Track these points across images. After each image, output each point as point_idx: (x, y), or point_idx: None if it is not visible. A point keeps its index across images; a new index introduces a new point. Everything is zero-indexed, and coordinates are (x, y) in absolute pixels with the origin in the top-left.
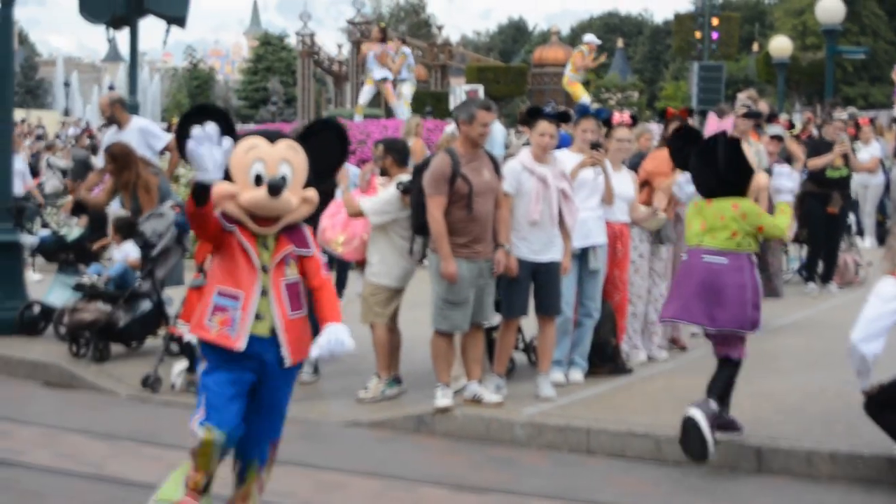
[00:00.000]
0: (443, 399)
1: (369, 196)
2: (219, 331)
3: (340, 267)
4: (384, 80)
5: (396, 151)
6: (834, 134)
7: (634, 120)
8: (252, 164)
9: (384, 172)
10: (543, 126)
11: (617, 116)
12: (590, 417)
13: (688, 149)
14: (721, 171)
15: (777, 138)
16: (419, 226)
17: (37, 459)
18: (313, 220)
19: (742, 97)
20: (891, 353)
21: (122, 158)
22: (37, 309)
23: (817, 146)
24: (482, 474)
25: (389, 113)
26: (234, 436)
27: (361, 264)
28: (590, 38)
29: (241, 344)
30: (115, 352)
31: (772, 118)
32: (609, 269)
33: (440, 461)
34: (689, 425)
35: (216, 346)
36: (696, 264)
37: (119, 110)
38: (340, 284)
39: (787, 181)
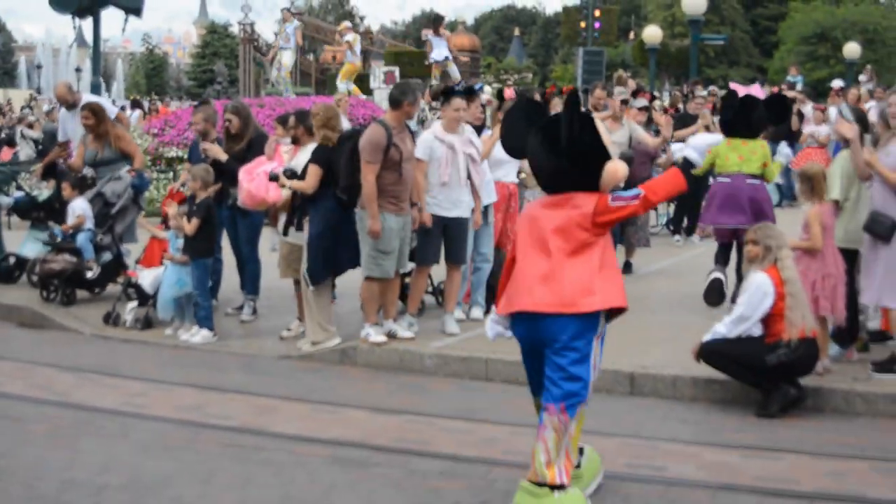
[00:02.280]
0: (377, 336)
1: (272, 162)
2: None
3: None
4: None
5: (306, 122)
6: (696, 108)
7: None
8: None
9: (295, 141)
10: (457, 102)
11: (508, 92)
12: (488, 349)
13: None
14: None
15: (643, 109)
16: (347, 186)
17: (13, 389)
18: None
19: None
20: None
21: (100, 112)
22: (12, 260)
23: (683, 119)
24: (397, 399)
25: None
26: None
27: (275, 223)
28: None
29: None
30: (80, 296)
31: (637, 93)
32: (503, 223)
33: (361, 388)
34: (717, 284)
35: None
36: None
37: (72, 93)
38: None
39: (692, 152)
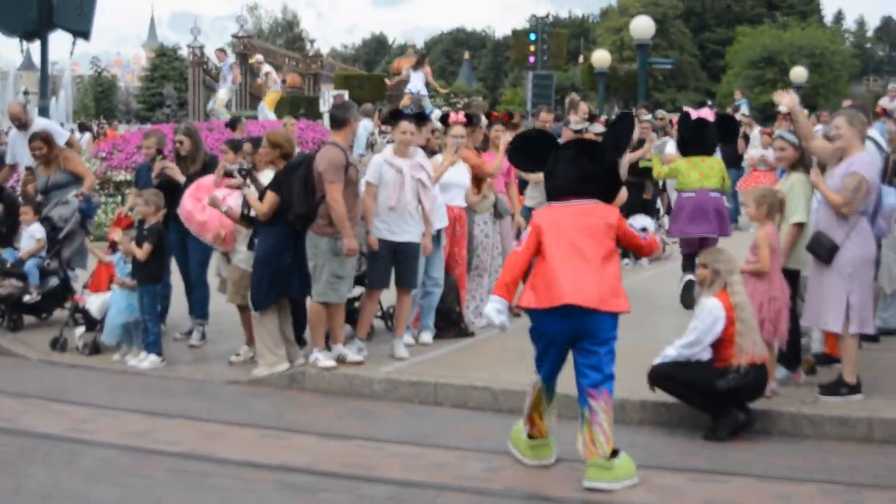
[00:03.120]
0: (326, 360)
1: (222, 190)
2: None
3: None
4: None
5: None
6: (643, 133)
7: (469, 119)
8: None
9: (254, 167)
10: (405, 125)
11: (452, 116)
12: (437, 374)
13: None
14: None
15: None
16: (303, 213)
17: None
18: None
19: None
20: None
21: (50, 140)
22: None
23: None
24: (345, 423)
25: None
26: None
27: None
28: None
29: None
30: (26, 322)
31: (593, 118)
32: (450, 247)
33: (309, 413)
34: (691, 284)
35: None
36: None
37: (26, 113)
38: None
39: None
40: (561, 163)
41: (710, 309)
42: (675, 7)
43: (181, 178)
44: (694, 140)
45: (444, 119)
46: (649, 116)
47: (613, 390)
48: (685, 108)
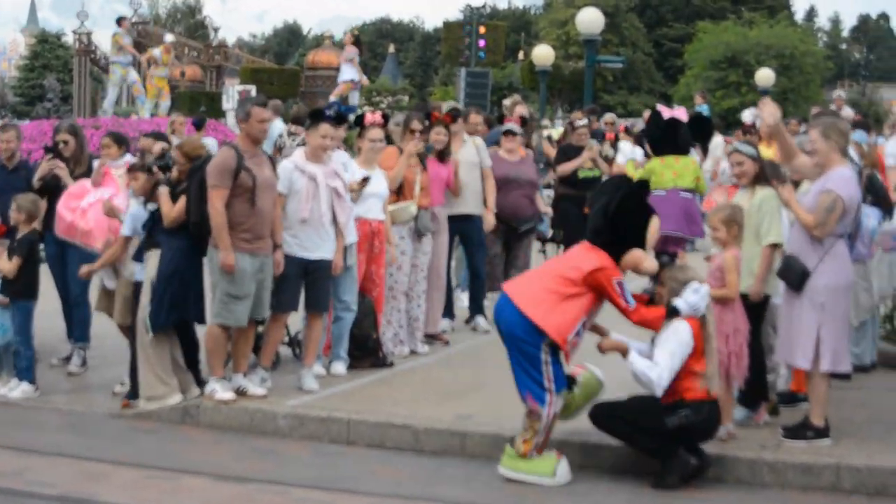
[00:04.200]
0: (224, 392)
1: (106, 188)
2: (569, 349)
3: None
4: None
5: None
6: (579, 140)
7: (386, 119)
8: None
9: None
10: (325, 128)
11: (369, 117)
12: (350, 409)
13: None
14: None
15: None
16: (196, 222)
17: None
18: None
19: (507, 103)
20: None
21: None
22: None
23: (566, 151)
24: (244, 464)
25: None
26: None
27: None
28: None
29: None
30: None
31: (525, 123)
32: (367, 265)
33: (203, 451)
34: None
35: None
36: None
37: None
38: None
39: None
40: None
41: (681, 337)
42: None
43: (69, 181)
44: (667, 139)
45: (358, 120)
46: (585, 121)
47: (543, 401)
48: (658, 107)
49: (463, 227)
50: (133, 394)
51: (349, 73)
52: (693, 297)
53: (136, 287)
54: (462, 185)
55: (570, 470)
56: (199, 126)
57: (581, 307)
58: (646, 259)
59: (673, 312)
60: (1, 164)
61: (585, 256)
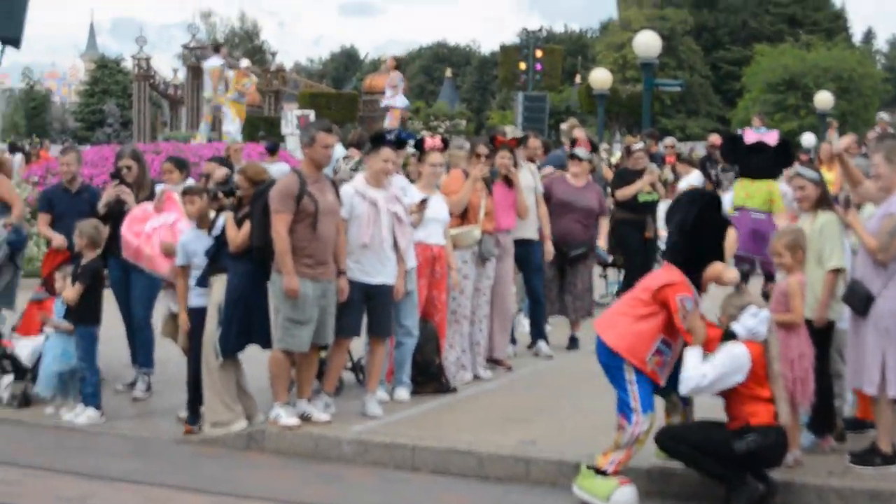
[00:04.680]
0: (288, 418)
1: (168, 213)
2: (653, 368)
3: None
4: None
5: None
6: (635, 164)
7: (445, 143)
8: None
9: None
10: (387, 153)
11: (429, 141)
12: (414, 435)
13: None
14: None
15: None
16: (260, 246)
17: None
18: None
19: (565, 127)
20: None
21: None
22: None
23: (623, 175)
24: (309, 490)
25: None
26: None
27: (170, 284)
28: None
29: (664, 383)
30: None
31: (575, 143)
32: (428, 290)
33: (269, 477)
34: None
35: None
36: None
37: None
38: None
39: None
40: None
41: (736, 356)
42: (684, 22)
43: (133, 204)
44: (749, 163)
45: (418, 145)
46: (641, 145)
47: (629, 418)
48: (746, 130)
49: (521, 252)
50: (193, 419)
51: (399, 99)
52: (751, 322)
53: (196, 313)
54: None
55: (635, 499)
56: (272, 151)
57: (656, 326)
58: (726, 270)
59: (730, 337)
60: (64, 188)
61: (657, 275)
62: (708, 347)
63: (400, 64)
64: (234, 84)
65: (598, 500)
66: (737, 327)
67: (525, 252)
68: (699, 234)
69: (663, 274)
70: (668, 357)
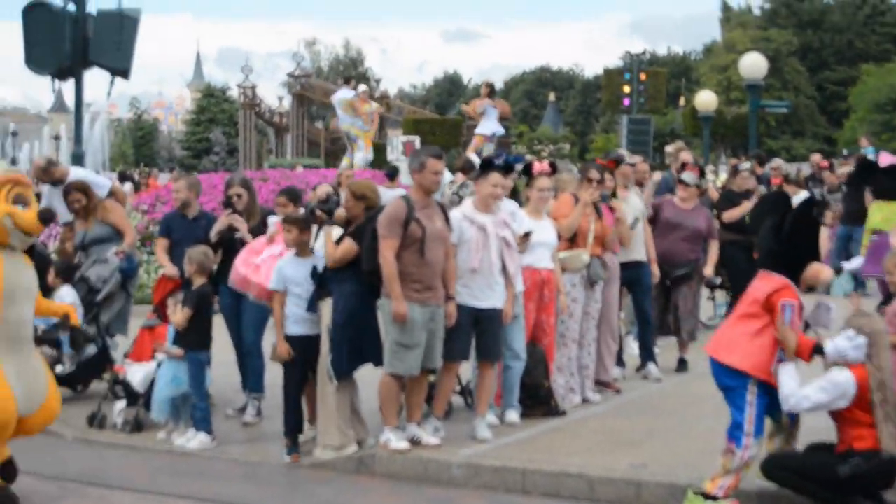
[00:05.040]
0: (399, 442)
1: (279, 244)
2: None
3: None
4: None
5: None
6: (741, 185)
7: (554, 168)
8: None
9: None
10: (496, 177)
11: (537, 166)
12: (525, 458)
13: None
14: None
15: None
16: (369, 270)
17: None
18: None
19: (670, 149)
20: None
21: (84, 189)
22: None
23: (729, 197)
24: None
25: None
26: None
27: None
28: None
29: None
30: (61, 395)
31: (684, 167)
32: (537, 315)
33: (379, 501)
34: None
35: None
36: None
37: (53, 169)
38: None
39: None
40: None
41: (839, 384)
42: (789, 43)
43: (247, 235)
44: (883, 185)
45: (527, 170)
46: (747, 165)
47: (739, 441)
48: (882, 153)
49: (631, 274)
50: (294, 448)
51: (486, 126)
52: (842, 343)
53: (293, 341)
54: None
55: None
56: (391, 177)
57: (773, 336)
58: (823, 269)
59: (818, 351)
60: (181, 215)
61: (760, 286)
62: (800, 356)
63: (493, 90)
64: (360, 113)
65: None
66: (829, 345)
67: (635, 274)
68: (798, 239)
69: (766, 283)
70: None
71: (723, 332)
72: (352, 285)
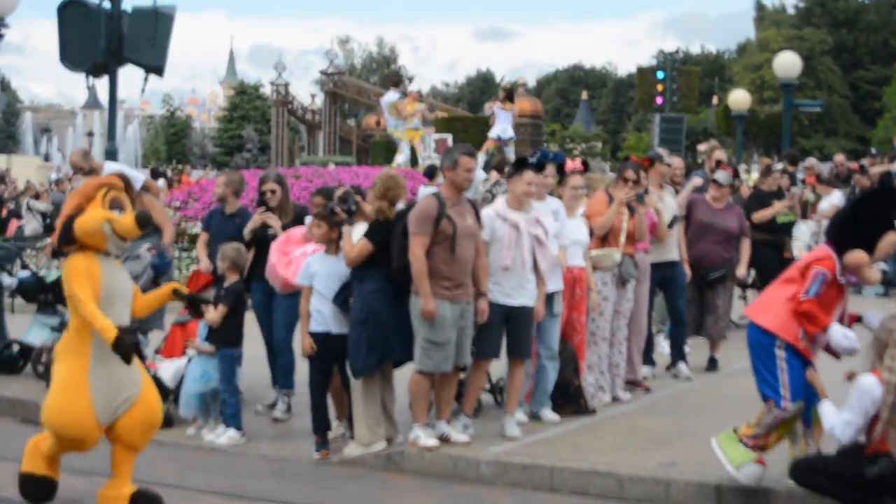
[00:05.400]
0: (427, 439)
1: (309, 245)
2: (805, 345)
3: None
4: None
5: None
6: (771, 185)
7: (586, 166)
8: None
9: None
10: (530, 176)
11: (570, 164)
12: (553, 456)
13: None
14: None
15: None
16: (399, 267)
17: (15, 494)
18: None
19: (703, 148)
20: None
21: (127, 182)
22: (16, 348)
23: (759, 197)
24: None
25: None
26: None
27: None
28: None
29: (815, 358)
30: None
31: (719, 164)
32: (568, 312)
33: (408, 498)
34: None
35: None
36: None
37: (88, 160)
38: None
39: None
40: None
41: (867, 390)
42: (822, 42)
43: (279, 230)
44: None
45: (560, 168)
46: (780, 166)
47: (778, 402)
48: None
49: (664, 274)
50: (323, 444)
51: (494, 129)
52: (839, 332)
53: (316, 338)
54: (666, 232)
55: (760, 479)
56: (430, 175)
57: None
58: (869, 266)
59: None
60: (220, 210)
61: (809, 255)
62: (812, 328)
63: (511, 93)
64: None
65: (730, 464)
66: (833, 328)
67: (668, 273)
68: (859, 211)
69: (815, 253)
70: (819, 334)
71: (764, 294)
72: (371, 283)
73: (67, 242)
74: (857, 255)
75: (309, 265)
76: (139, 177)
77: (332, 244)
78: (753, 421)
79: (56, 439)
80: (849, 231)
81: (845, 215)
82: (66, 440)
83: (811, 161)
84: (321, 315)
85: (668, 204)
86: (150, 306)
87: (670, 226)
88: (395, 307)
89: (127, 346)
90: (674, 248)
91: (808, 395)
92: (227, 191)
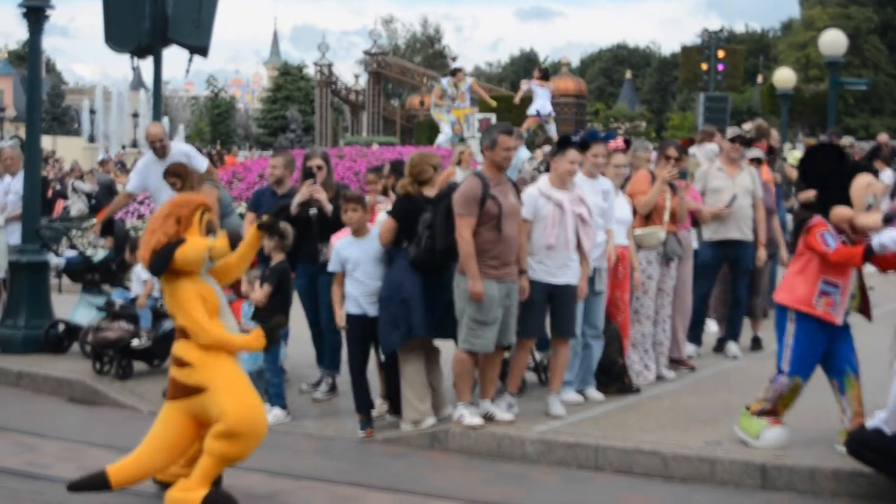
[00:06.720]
0: (472, 418)
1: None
2: (824, 310)
3: None
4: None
5: (399, 173)
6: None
7: (627, 144)
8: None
9: (386, 192)
10: (573, 154)
11: (612, 143)
12: (598, 435)
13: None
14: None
15: (756, 161)
16: (444, 248)
17: (61, 473)
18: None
19: (747, 127)
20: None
21: (183, 174)
22: (62, 327)
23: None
24: (494, 489)
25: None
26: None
27: None
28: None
29: (840, 320)
30: (137, 369)
31: (752, 142)
32: (611, 291)
33: (452, 476)
34: None
35: (817, 320)
36: None
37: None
38: None
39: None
40: None
41: None
42: (868, 20)
43: (329, 208)
44: None
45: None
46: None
47: (776, 377)
48: None
49: (732, 252)
50: (366, 422)
51: (532, 106)
52: (886, 237)
53: (351, 320)
54: (736, 210)
55: (784, 438)
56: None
57: (814, 270)
58: (860, 215)
59: (869, 253)
60: (271, 191)
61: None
62: (853, 262)
63: (546, 72)
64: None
65: (750, 437)
66: (874, 241)
67: (732, 253)
68: (811, 173)
69: (808, 224)
70: (836, 296)
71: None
72: (397, 261)
73: (165, 268)
74: (837, 211)
75: (339, 251)
76: (203, 162)
77: (364, 227)
78: (761, 395)
79: (233, 446)
80: (819, 195)
81: (805, 182)
82: (254, 442)
83: (849, 139)
84: (354, 297)
85: (738, 183)
86: (246, 257)
87: (729, 205)
88: (419, 284)
89: (277, 335)
90: (741, 228)
91: (840, 363)
92: (286, 172)
